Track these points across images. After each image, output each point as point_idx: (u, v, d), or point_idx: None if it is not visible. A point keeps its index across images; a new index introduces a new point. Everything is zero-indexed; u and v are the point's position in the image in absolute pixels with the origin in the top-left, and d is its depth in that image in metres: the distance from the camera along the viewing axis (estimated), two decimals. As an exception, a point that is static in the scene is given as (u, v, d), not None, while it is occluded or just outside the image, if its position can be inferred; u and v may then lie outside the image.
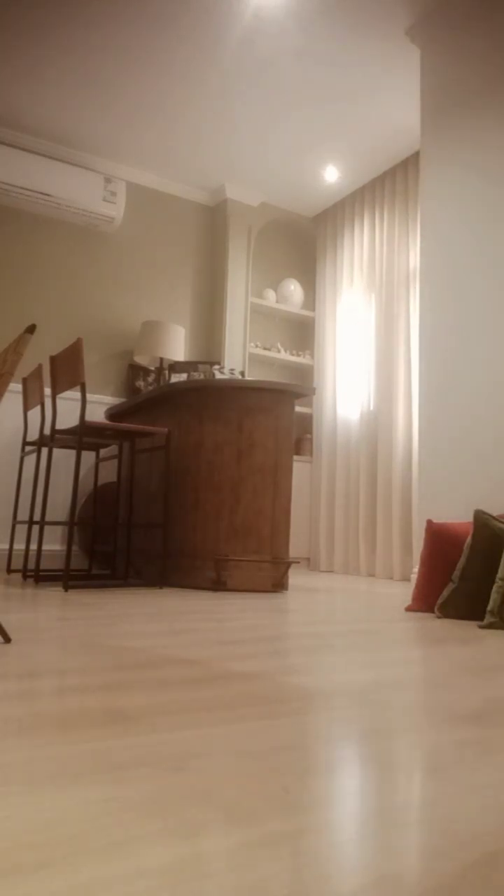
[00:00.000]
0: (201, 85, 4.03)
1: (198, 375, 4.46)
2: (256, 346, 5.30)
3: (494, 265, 3.00)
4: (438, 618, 2.42)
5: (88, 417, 4.59)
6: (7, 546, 4.27)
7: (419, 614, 2.53)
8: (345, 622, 2.24)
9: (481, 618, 2.36)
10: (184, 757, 0.84)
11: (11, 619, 2.01)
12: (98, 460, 4.09)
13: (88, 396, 4.65)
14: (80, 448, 3.16)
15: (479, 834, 0.65)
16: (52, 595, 2.79)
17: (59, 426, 4.48)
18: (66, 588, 3.03)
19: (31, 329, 1.78)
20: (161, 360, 4.71)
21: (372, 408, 4.75)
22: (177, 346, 4.67)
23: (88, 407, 4.62)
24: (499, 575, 2.21)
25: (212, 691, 1.18)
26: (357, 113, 4.24)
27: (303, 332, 5.72)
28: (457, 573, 2.42)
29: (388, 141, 4.53)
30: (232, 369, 4.69)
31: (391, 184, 4.81)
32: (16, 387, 4.38)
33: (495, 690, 1.28)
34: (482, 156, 3.12)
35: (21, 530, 4.34)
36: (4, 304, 4.50)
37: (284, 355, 5.37)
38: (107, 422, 3.78)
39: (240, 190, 5.21)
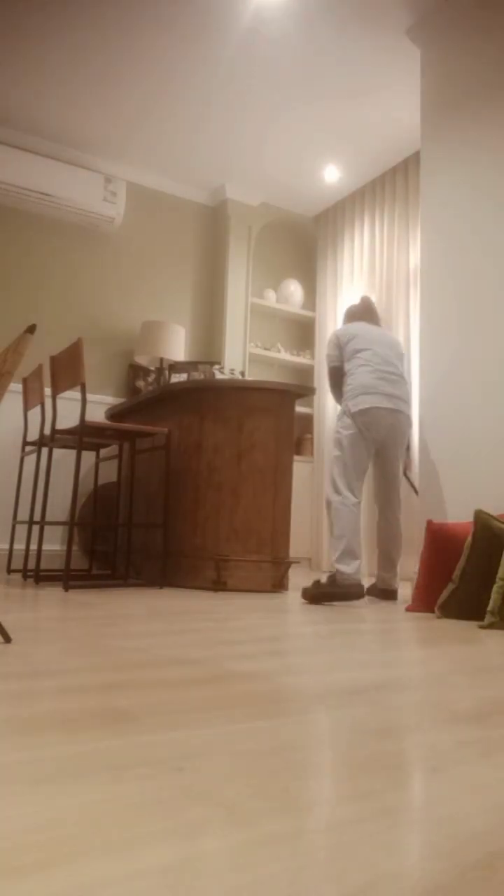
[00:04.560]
0: (202, 85, 4.03)
1: (198, 375, 4.46)
2: (256, 346, 5.30)
3: (495, 265, 3.00)
4: (438, 618, 2.42)
5: (89, 417, 4.59)
6: (7, 546, 4.27)
7: (419, 614, 2.53)
8: (345, 622, 2.24)
9: (481, 618, 2.36)
10: (184, 757, 0.84)
11: (11, 619, 2.01)
12: (98, 460, 4.09)
13: (89, 396, 4.65)
14: (80, 448, 3.17)
15: (479, 834, 0.65)
16: (53, 595, 2.79)
17: (59, 426, 4.48)
18: (67, 588, 3.03)
19: (31, 329, 1.78)
20: (161, 360, 4.71)
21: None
22: (177, 346, 4.67)
23: (89, 407, 4.62)
24: (499, 575, 2.21)
25: (212, 691, 1.18)
26: (357, 113, 4.24)
27: (303, 332, 5.72)
28: (457, 573, 2.42)
29: (388, 141, 4.53)
30: (232, 369, 4.69)
31: (391, 184, 4.81)
32: (16, 387, 4.39)
33: (495, 690, 1.28)
34: (483, 155, 3.12)
35: (21, 530, 4.34)
36: (4, 304, 4.50)
37: (284, 355, 5.37)
38: (107, 422, 3.78)
39: (240, 190, 5.22)
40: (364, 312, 3.37)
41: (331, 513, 3.02)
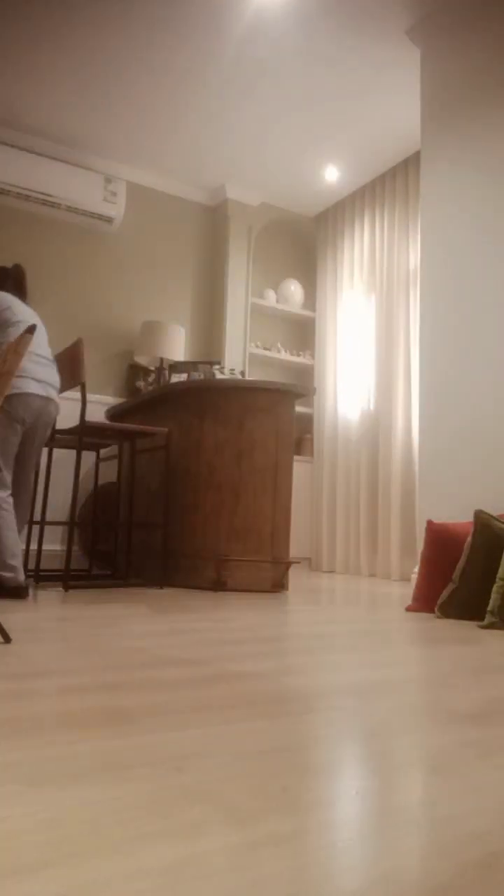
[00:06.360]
0: (202, 85, 4.03)
1: (198, 375, 4.45)
2: (256, 346, 5.30)
3: (495, 265, 3.00)
4: (438, 618, 2.42)
5: (89, 417, 4.59)
6: (7, 546, 4.27)
7: (419, 614, 2.53)
8: (345, 622, 2.24)
9: (481, 618, 2.36)
10: (184, 757, 0.84)
11: (11, 619, 2.01)
12: (98, 460, 4.09)
13: (89, 396, 4.65)
14: (80, 448, 3.16)
15: (480, 833, 0.65)
16: (53, 595, 2.80)
17: (59, 426, 4.47)
18: (67, 588, 3.03)
19: (31, 329, 1.78)
20: (161, 360, 4.71)
21: (372, 408, 4.74)
22: (177, 346, 4.67)
23: (89, 407, 4.61)
24: (499, 575, 2.21)
25: (212, 691, 1.18)
26: (357, 113, 4.23)
27: (303, 332, 5.72)
28: (457, 573, 2.42)
29: (389, 141, 4.52)
30: (232, 369, 4.68)
31: (391, 184, 4.81)
32: (16, 387, 4.38)
33: (495, 690, 1.28)
34: (482, 155, 3.12)
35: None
36: (4, 304, 4.49)
37: (284, 355, 5.37)
38: (107, 422, 3.78)
39: (240, 190, 5.21)
40: (15, 282, 3.01)
41: None
